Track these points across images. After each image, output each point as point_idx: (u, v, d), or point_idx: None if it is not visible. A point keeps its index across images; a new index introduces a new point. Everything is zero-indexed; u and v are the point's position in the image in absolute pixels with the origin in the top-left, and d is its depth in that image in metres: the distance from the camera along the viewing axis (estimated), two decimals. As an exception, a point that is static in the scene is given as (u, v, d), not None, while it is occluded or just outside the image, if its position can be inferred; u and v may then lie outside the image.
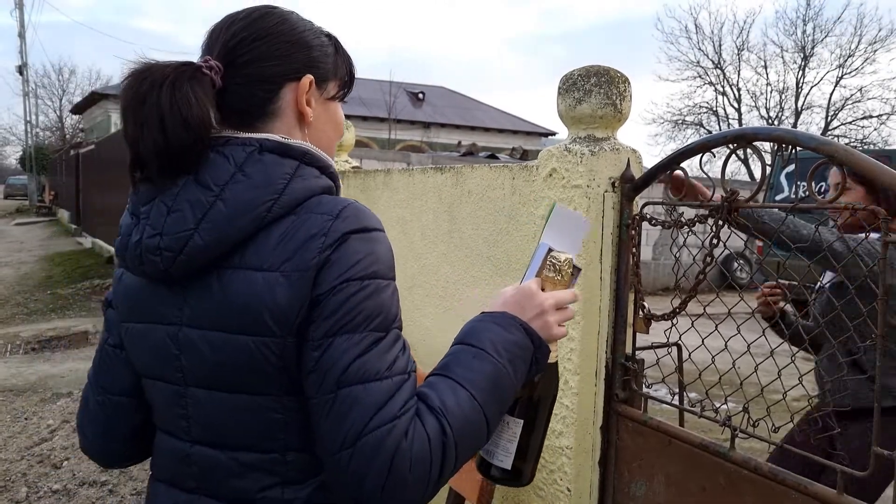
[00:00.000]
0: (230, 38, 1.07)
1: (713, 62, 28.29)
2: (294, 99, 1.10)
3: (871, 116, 26.68)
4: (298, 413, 1.02)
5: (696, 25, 36.79)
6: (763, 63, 35.72)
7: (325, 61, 1.13)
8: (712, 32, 37.75)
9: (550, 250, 1.18)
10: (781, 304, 2.60)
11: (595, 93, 1.94)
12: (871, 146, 24.03)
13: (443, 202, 3.12)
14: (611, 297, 2.01)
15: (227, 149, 1.03)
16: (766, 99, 29.58)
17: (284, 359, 0.99)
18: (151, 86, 1.00)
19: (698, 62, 28.93)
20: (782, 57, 35.65)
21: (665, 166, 1.92)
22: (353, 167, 4.40)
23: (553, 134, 32.59)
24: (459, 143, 24.64)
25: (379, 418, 0.93)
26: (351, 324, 0.96)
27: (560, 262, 1.15)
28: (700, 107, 29.00)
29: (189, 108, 0.99)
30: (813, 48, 27.39)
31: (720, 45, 31.29)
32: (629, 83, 2.30)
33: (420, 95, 31.30)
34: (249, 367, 0.99)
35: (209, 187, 1.00)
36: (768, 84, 34.03)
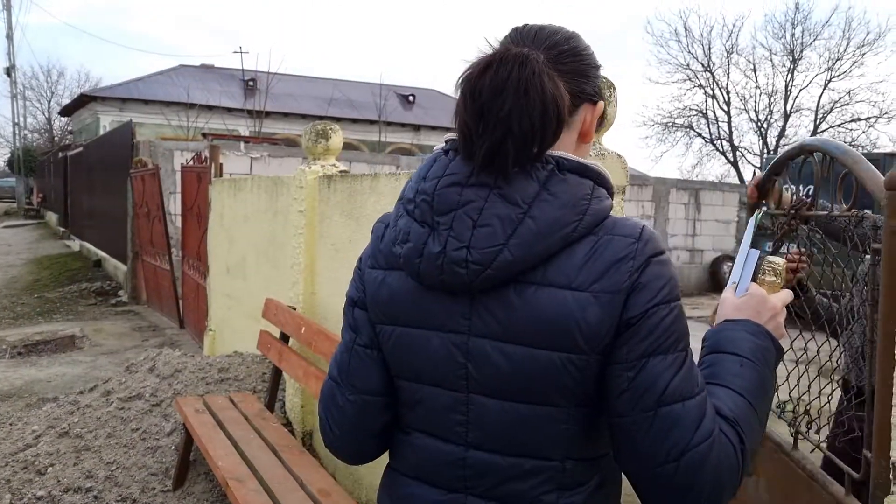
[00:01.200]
0: (552, 45, 1.11)
1: (703, 65, 28.53)
2: (584, 118, 1.14)
3: (859, 119, 26.98)
4: (583, 424, 1.08)
5: (685, 28, 37.01)
6: (752, 66, 35.74)
7: (601, 90, 1.18)
8: (702, 35, 38.02)
9: (761, 257, 1.26)
10: (802, 274, 2.48)
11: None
12: (860, 149, 24.17)
13: (430, 207, 3.10)
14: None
15: (528, 166, 1.06)
16: (756, 102, 29.72)
17: (584, 375, 1.04)
18: (533, 72, 1.03)
19: (688, 65, 29.12)
20: (771, 60, 35.93)
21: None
22: (340, 171, 4.39)
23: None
24: (449, 145, 24.51)
25: (700, 434, 1.00)
26: (664, 345, 1.02)
27: (780, 266, 1.24)
28: (690, 109, 29.16)
29: (564, 103, 1.06)
30: (802, 51, 27.67)
31: (710, 49, 31.46)
32: (615, 88, 2.29)
33: (410, 98, 31.28)
34: (549, 380, 1.04)
35: (517, 204, 1.04)
36: (757, 87, 34.25)
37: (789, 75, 28.47)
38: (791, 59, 27.71)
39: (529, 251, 1.03)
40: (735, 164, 28.04)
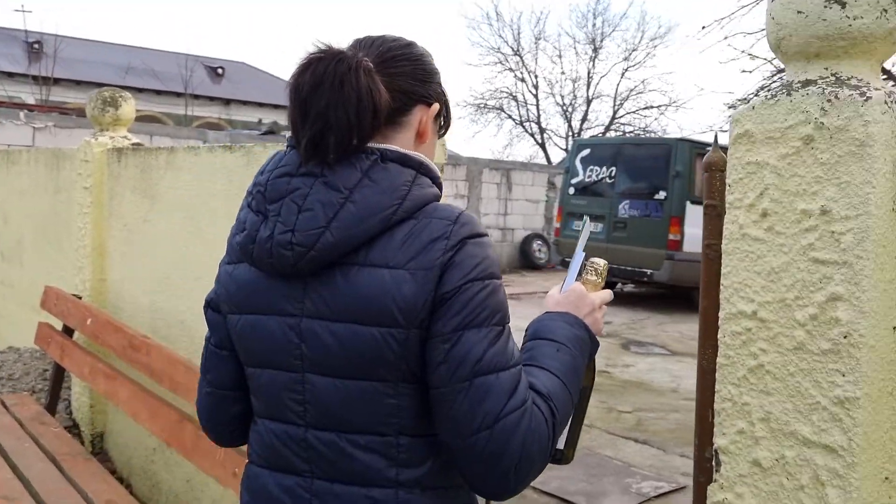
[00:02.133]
0: (386, 50, 1.18)
1: (513, 49, 29.38)
2: (420, 119, 1.21)
3: (651, 107, 29.01)
4: (411, 400, 1.12)
5: (497, 13, 38.06)
6: (558, 53, 37.72)
7: (442, 99, 1.26)
8: (512, 21, 39.35)
9: (587, 257, 1.37)
10: None
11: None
12: (652, 134, 26.12)
13: (233, 184, 2.85)
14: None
15: (352, 157, 1.12)
16: (561, 87, 31.26)
17: (405, 349, 1.09)
18: (349, 68, 1.09)
19: (499, 48, 29.98)
20: (575, 48, 37.95)
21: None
22: (132, 144, 3.96)
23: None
24: (260, 121, 23.78)
25: (512, 403, 1.06)
26: (478, 320, 1.08)
27: (601, 267, 1.35)
28: (501, 91, 30.06)
29: (380, 96, 1.11)
30: (602, 41, 29.21)
31: (519, 34, 32.62)
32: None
33: (219, 70, 29.80)
34: (372, 355, 1.09)
35: (339, 189, 1.09)
36: (563, 73, 36.06)
37: (591, 63, 30.17)
38: (592, 47, 29.22)
39: (350, 233, 1.08)
40: (543, 146, 29.29)
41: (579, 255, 1.37)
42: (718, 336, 1.41)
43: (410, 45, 1.23)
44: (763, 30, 1.40)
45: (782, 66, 1.80)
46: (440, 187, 1.19)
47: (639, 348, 7.97)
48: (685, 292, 10.13)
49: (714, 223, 1.45)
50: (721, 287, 1.40)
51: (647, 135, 25.63)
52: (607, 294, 1.34)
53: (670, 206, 10.03)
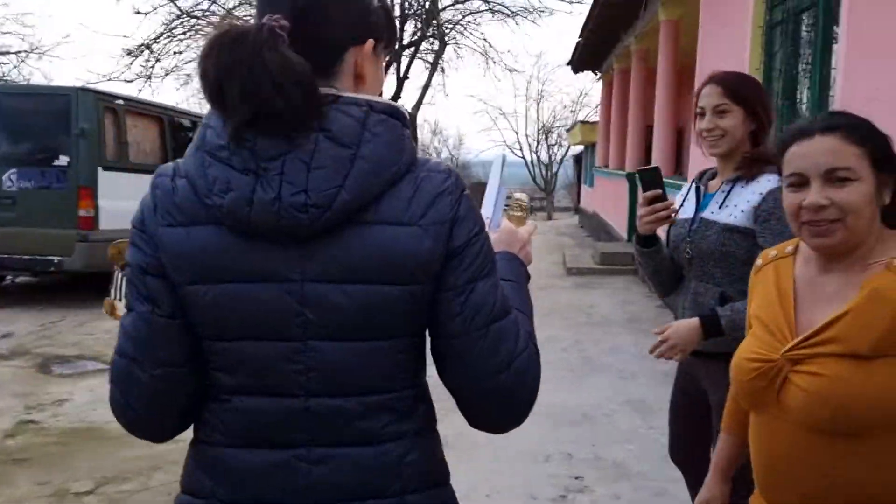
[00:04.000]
0: (296, 4, 1.07)
1: None
2: (355, 62, 1.12)
3: (8, 52, 24.52)
4: (416, 353, 1.14)
5: None
6: None
7: (380, 25, 1.16)
8: None
9: (508, 195, 1.40)
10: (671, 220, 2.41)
11: None
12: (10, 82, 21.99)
13: None
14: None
15: (345, 107, 1.05)
16: None
17: (420, 304, 1.09)
18: (253, 50, 1.00)
19: None
20: None
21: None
22: None
23: None
24: None
25: (522, 342, 1.12)
26: (485, 270, 1.10)
27: (525, 202, 1.42)
28: None
29: (295, 67, 1.01)
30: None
31: None
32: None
33: None
34: (389, 314, 1.07)
35: (346, 145, 1.03)
36: None
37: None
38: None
39: (364, 191, 1.04)
40: None
41: (502, 190, 1.37)
42: None
43: None
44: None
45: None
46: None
47: (64, 367, 5.94)
48: (105, 280, 8.21)
49: None
50: None
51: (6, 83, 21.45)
52: (533, 226, 1.38)
53: (76, 175, 7.93)
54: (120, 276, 3.74)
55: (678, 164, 12.08)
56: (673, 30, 9.82)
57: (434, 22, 12.86)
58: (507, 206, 1.37)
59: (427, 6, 12.68)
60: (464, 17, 14.99)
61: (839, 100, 3.81)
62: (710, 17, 6.92)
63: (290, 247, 1.05)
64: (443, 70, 14.78)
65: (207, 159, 1.05)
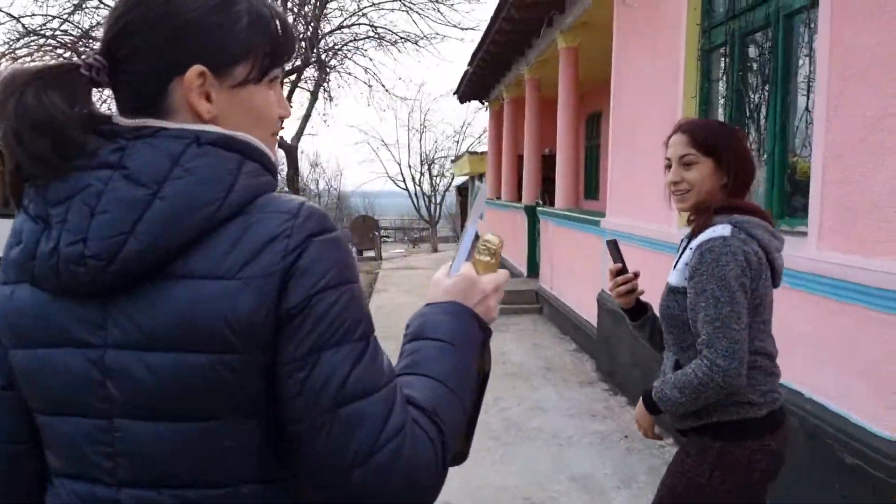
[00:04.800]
0: (111, 26, 0.94)
1: None
2: (179, 96, 0.94)
3: None
4: (253, 439, 0.91)
5: None
6: None
7: (226, 42, 0.95)
8: None
9: (478, 235, 1.20)
10: (639, 291, 2.29)
11: None
12: None
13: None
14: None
15: (158, 140, 0.90)
16: None
17: (243, 378, 0.88)
18: (10, 93, 0.88)
19: None
20: None
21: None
22: None
23: None
24: None
25: (389, 431, 0.88)
26: (336, 337, 0.89)
27: (495, 245, 1.18)
28: None
29: (37, 113, 0.88)
30: None
31: None
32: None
33: None
34: (201, 390, 0.87)
35: (144, 184, 0.87)
36: None
37: None
38: None
39: (161, 238, 0.86)
40: None
41: (471, 230, 1.19)
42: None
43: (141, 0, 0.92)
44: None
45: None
46: (275, 175, 0.97)
47: None
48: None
49: None
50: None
51: None
52: (503, 275, 1.15)
53: None
54: None
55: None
56: (573, 57, 9.43)
57: (316, 49, 12.05)
58: (475, 249, 1.20)
59: (308, 32, 11.86)
60: (345, 43, 14.23)
61: (823, 127, 3.27)
62: (626, 44, 6.46)
63: (93, 306, 0.89)
64: (330, 98, 13.98)
65: (29, 209, 0.93)
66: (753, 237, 1.95)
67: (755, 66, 4.36)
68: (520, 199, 12.57)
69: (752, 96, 4.33)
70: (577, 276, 8.28)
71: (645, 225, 5.63)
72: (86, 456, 0.92)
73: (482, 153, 21.67)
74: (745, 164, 2.06)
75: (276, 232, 0.88)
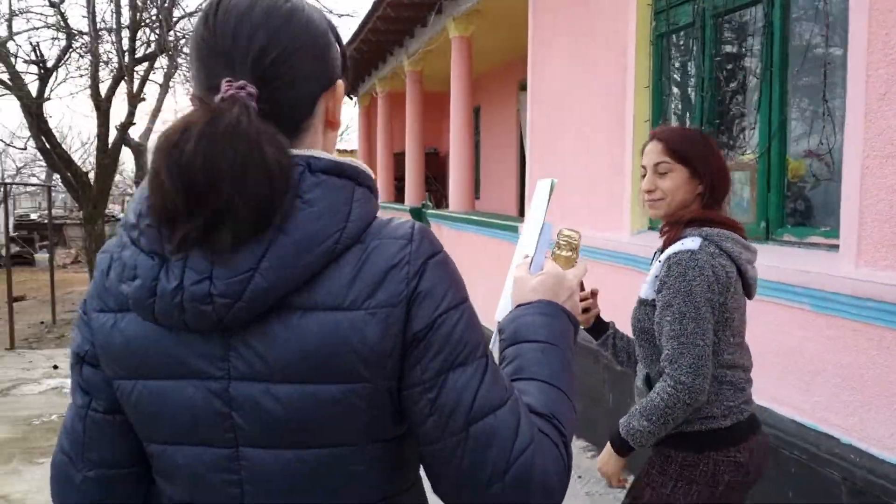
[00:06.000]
0: (259, 55, 0.91)
1: None
2: (326, 109, 1.00)
3: None
4: (381, 462, 0.95)
5: None
6: None
7: (338, 58, 1.01)
8: None
9: (555, 229, 1.21)
10: (597, 309, 2.24)
11: None
12: None
13: None
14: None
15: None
16: None
17: (373, 405, 0.91)
18: (249, 146, 0.84)
19: None
20: None
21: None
22: None
23: None
24: None
25: (520, 444, 0.90)
26: (461, 356, 0.91)
27: (575, 240, 1.20)
28: None
29: (288, 162, 0.88)
30: None
31: None
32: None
33: None
34: (330, 418, 0.90)
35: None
36: None
37: None
38: None
39: (288, 274, 0.86)
40: None
41: (546, 226, 1.22)
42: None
43: (286, 21, 0.93)
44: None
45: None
46: (377, 196, 0.97)
47: None
48: None
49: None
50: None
51: None
52: (583, 269, 1.19)
53: None
54: None
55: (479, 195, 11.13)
56: (466, 47, 8.76)
57: (171, 34, 10.72)
58: (554, 243, 1.20)
59: (161, 16, 10.51)
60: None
61: (862, 120, 2.71)
62: (545, 29, 5.83)
63: (213, 339, 0.90)
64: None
65: (124, 238, 0.95)
66: (723, 250, 1.93)
67: (734, 48, 3.81)
68: (399, 200, 11.77)
69: (730, 85, 3.78)
70: (488, 286, 7.62)
71: (592, 233, 5.02)
72: (211, 485, 0.93)
73: (351, 151, 20.66)
74: (721, 174, 2.04)
75: (395, 260, 0.89)
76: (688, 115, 4.10)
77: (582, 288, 2.15)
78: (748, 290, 2.03)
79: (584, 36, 5.07)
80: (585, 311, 2.19)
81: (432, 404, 0.89)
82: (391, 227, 0.93)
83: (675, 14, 4.09)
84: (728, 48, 3.85)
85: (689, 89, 4.10)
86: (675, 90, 4.27)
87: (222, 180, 0.83)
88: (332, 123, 1.00)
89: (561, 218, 5.28)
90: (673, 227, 2.03)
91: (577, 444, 5.09)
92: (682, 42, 4.16)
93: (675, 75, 4.24)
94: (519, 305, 1.10)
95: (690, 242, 1.93)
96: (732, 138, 3.75)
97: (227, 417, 0.90)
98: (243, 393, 0.89)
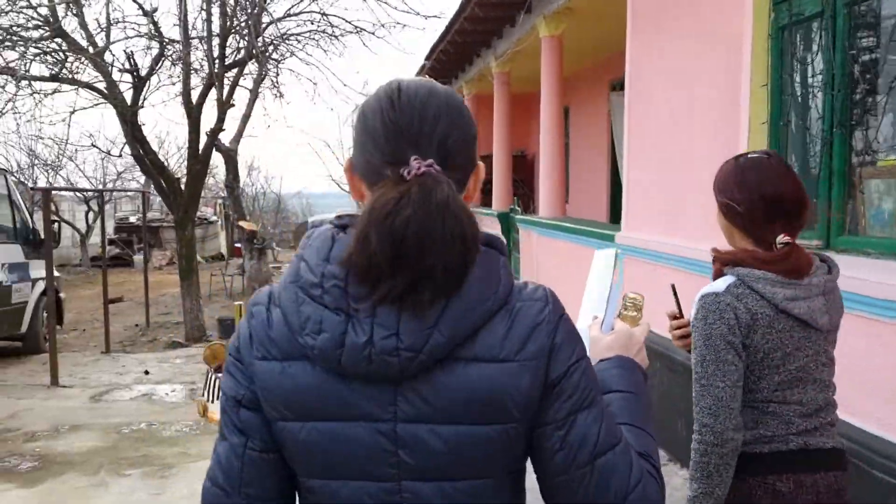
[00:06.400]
0: (443, 138, 1.07)
1: None
2: (470, 186, 1.13)
3: None
4: (511, 491, 1.10)
5: None
6: None
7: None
8: None
9: (624, 293, 1.36)
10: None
11: None
12: None
13: None
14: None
15: None
16: None
17: (517, 443, 1.06)
18: (455, 218, 0.99)
19: None
20: None
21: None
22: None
23: None
24: None
25: (635, 476, 1.06)
26: (587, 400, 1.06)
27: (640, 301, 1.35)
28: None
29: (478, 230, 1.03)
30: None
31: None
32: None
33: None
34: (486, 455, 1.05)
35: None
36: None
37: None
38: None
39: (459, 330, 1.01)
40: None
41: (614, 290, 1.37)
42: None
43: (458, 111, 1.10)
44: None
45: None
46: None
47: None
48: None
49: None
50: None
51: None
52: (647, 328, 1.33)
53: None
54: (213, 377, 3.95)
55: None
56: (557, 47, 8.44)
57: (259, 40, 10.79)
58: (622, 306, 1.34)
59: (251, 21, 10.59)
60: (286, 36, 12.48)
61: None
62: (646, 25, 5.47)
63: (383, 386, 1.03)
64: (280, 95, 12.60)
65: (301, 295, 1.04)
66: (755, 291, 1.88)
67: (871, 40, 3.39)
68: (487, 204, 11.52)
69: (866, 82, 3.35)
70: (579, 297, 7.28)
71: (683, 244, 4.64)
72: None
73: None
74: (756, 203, 1.91)
75: (539, 319, 1.05)
76: (813, 116, 3.68)
77: (680, 315, 2.24)
78: (803, 326, 1.91)
79: (691, 31, 4.69)
80: (683, 337, 2.20)
81: (562, 441, 1.04)
82: (529, 290, 1.08)
83: (798, 3, 3.68)
84: (864, 41, 3.42)
85: (814, 88, 3.68)
86: (798, 89, 3.85)
87: (431, 248, 0.97)
88: (469, 198, 1.12)
89: (670, 225, 4.92)
90: (714, 262, 2.00)
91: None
92: (807, 34, 3.74)
93: (796, 73, 3.82)
94: (600, 361, 1.24)
95: (720, 283, 1.93)
96: (869, 142, 3.33)
97: (394, 454, 1.04)
98: (410, 433, 1.03)
